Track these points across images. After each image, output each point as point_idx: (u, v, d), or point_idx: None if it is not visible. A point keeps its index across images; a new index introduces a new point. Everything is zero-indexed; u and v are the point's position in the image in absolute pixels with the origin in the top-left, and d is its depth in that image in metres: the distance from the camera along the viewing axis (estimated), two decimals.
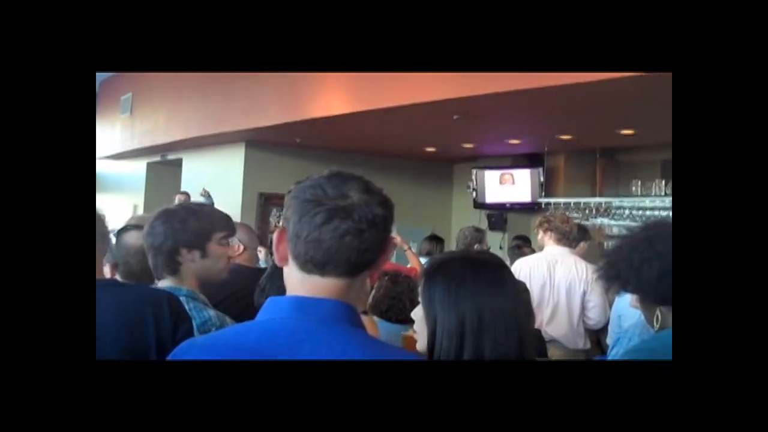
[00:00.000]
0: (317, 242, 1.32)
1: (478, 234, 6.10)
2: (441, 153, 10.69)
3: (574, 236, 4.87)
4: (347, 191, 1.36)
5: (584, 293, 4.65)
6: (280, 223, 1.41)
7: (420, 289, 1.74)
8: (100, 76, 14.29)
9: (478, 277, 1.69)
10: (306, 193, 1.35)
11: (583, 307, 4.68)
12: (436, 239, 6.95)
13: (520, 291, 1.80)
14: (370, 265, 1.39)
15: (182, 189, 11.42)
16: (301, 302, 1.36)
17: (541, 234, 4.91)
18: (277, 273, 2.51)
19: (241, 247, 3.53)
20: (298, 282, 1.38)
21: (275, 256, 1.41)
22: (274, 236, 1.40)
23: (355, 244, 1.33)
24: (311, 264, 1.34)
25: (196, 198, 9.25)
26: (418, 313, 1.75)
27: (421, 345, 1.72)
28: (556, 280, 4.69)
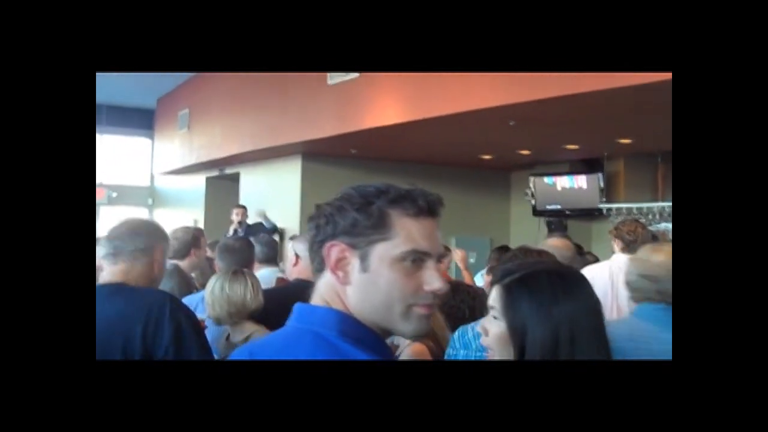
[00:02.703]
0: None
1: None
2: (497, 161, 10.58)
3: (641, 244, 4.71)
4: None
5: None
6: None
7: (498, 302, 1.65)
8: (158, 93, 14.57)
9: (569, 292, 1.62)
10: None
11: None
12: (506, 250, 6.83)
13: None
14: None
15: (241, 202, 11.54)
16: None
17: (612, 241, 4.80)
18: None
19: (295, 259, 3.49)
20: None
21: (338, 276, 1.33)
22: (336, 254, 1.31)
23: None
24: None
25: (253, 212, 9.29)
26: (493, 328, 1.65)
27: (501, 357, 1.65)
28: (618, 288, 4.56)
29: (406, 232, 1.25)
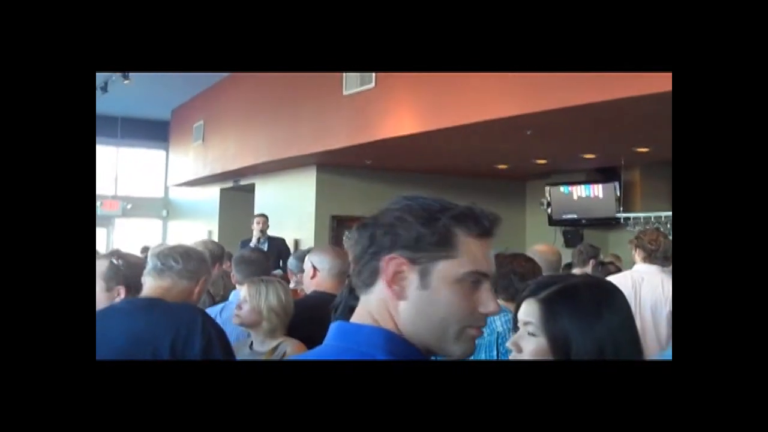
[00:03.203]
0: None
1: (593, 250, 5.99)
2: (513, 170, 10.54)
3: (664, 254, 4.65)
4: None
5: (670, 313, 4.44)
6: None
7: (535, 317, 1.59)
8: (172, 105, 14.62)
9: (609, 304, 1.58)
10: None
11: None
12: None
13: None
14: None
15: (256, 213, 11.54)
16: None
17: (633, 251, 4.74)
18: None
19: (312, 271, 3.45)
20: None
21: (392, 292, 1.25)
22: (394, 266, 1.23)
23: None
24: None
25: (275, 219, 9.27)
26: (528, 345, 1.59)
27: None
28: (641, 298, 4.50)
29: (470, 253, 1.21)
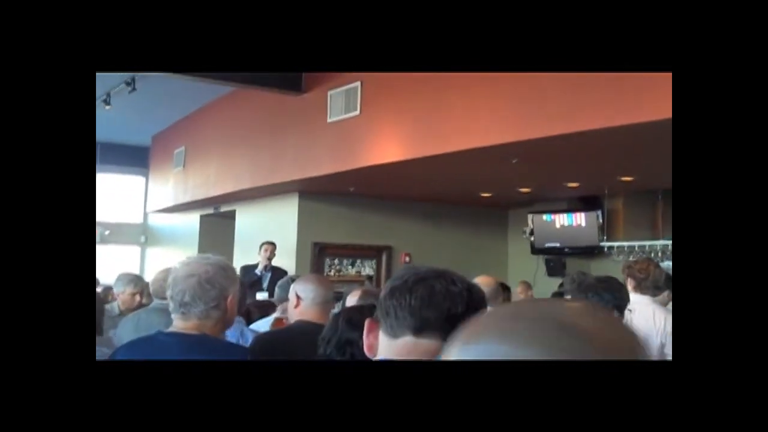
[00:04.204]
0: (408, 302, 1.30)
1: (587, 278, 5.96)
2: (496, 198, 10.54)
3: (654, 283, 4.64)
4: (436, 270, 1.38)
5: (662, 345, 4.40)
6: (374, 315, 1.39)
7: None
8: (153, 130, 14.52)
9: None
10: (398, 280, 1.36)
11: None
12: (503, 288, 6.76)
13: None
14: None
15: (237, 240, 11.49)
16: None
17: (625, 280, 4.72)
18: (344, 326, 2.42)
19: (296, 300, 3.38)
20: (387, 349, 1.33)
21: (364, 344, 1.38)
22: (365, 325, 1.38)
23: (447, 304, 1.30)
24: (404, 326, 1.30)
25: (255, 246, 9.23)
26: None
27: None
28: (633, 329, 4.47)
29: None
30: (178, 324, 2.50)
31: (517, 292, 5.70)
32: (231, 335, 3.55)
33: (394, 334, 1.30)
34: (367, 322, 1.37)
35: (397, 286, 1.32)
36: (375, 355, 1.34)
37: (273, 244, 8.77)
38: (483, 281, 4.72)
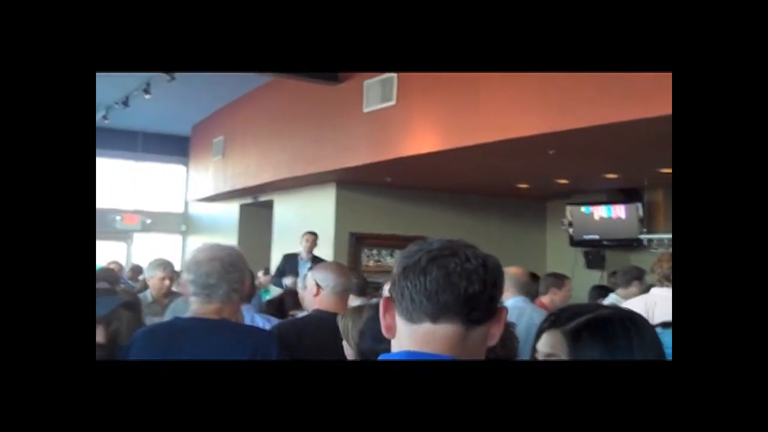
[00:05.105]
0: (423, 285, 1.27)
1: (637, 271, 5.90)
2: (533, 189, 10.45)
3: None
4: (449, 245, 1.32)
5: None
6: (387, 293, 1.37)
7: (561, 350, 1.49)
8: (193, 120, 14.66)
9: (644, 342, 1.48)
10: (409, 258, 1.32)
11: None
12: (534, 277, 6.72)
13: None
14: (485, 316, 1.30)
15: (275, 229, 11.55)
16: (413, 356, 1.28)
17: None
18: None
19: (316, 289, 3.33)
20: (407, 336, 1.30)
21: (382, 326, 1.36)
22: (381, 305, 1.36)
23: (463, 284, 1.27)
24: (421, 311, 1.28)
25: (293, 236, 9.28)
26: None
27: None
28: (654, 323, 4.39)
29: None
30: (199, 308, 2.53)
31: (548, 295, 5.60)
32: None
33: (411, 318, 1.29)
34: (382, 302, 1.35)
35: (410, 266, 1.29)
36: (394, 336, 1.33)
37: (314, 234, 8.79)
38: (513, 271, 4.78)
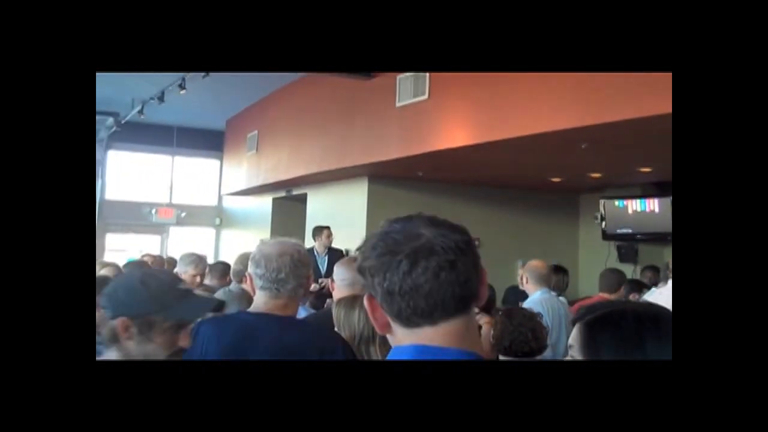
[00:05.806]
0: (413, 291, 1.23)
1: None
2: (566, 183, 10.40)
3: None
4: (416, 230, 1.26)
5: None
6: (366, 292, 1.32)
7: (577, 341, 1.55)
8: (227, 114, 14.79)
9: (657, 336, 1.48)
10: (377, 251, 1.26)
11: None
12: (560, 270, 6.73)
13: None
14: (475, 297, 1.29)
15: (308, 223, 11.64)
16: (424, 351, 1.25)
17: None
18: None
19: (333, 284, 3.44)
20: (407, 338, 1.27)
21: (375, 325, 1.32)
22: (366, 304, 1.32)
23: (452, 278, 1.23)
24: (417, 316, 1.25)
25: (337, 232, 9.38)
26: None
27: None
28: None
29: None
30: (267, 303, 2.58)
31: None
32: None
33: (407, 324, 1.26)
34: (366, 302, 1.31)
35: (391, 264, 1.24)
36: (390, 332, 1.30)
37: (328, 228, 9.08)
38: (534, 265, 5.13)
